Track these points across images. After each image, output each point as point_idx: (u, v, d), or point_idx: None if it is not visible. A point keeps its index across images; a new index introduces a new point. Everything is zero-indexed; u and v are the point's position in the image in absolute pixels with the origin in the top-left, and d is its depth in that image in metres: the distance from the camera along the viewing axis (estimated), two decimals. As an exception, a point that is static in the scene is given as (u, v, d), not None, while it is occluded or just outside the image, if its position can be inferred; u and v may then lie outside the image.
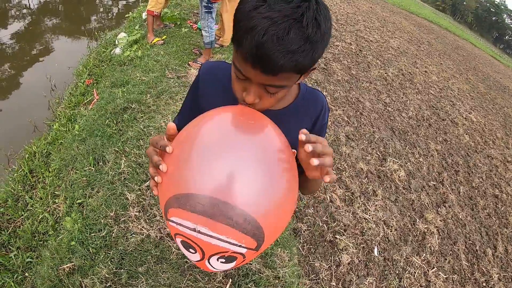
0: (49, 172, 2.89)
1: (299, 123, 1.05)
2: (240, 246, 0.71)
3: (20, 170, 3.00)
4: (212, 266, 0.79)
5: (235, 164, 0.70)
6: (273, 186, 0.74)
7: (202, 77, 1.08)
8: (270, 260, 2.38)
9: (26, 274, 2.21)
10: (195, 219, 0.69)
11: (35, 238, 2.43)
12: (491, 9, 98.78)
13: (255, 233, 0.70)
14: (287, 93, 0.88)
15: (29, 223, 2.49)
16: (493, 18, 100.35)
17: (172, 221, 0.74)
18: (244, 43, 0.72)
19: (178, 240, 0.78)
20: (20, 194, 2.75)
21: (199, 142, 0.74)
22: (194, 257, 0.79)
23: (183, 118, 1.16)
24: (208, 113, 0.84)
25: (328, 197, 3.20)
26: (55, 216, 2.52)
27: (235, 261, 0.77)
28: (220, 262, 0.77)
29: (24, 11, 7.36)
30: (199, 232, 0.70)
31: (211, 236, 0.69)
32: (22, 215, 2.59)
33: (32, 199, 2.69)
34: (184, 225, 0.72)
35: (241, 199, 0.68)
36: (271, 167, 0.74)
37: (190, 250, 0.77)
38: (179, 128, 0.92)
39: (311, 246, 2.75)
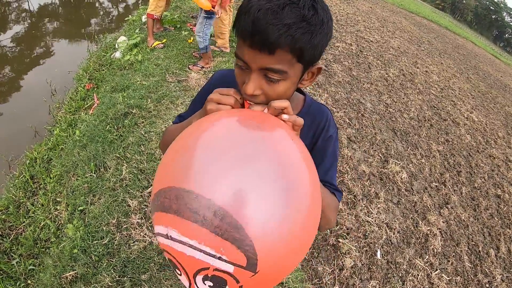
0: (50, 178, 2.89)
1: (302, 134, 1.01)
2: (220, 259, 0.56)
3: (21, 176, 3.00)
4: None
5: (222, 159, 0.59)
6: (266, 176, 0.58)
7: (214, 82, 1.09)
8: (273, 266, 2.37)
9: (29, 281, 2.20)
10: (165, 220, 0.59)
11: (37, 245, 2.42)
12: (491, 8, 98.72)
13: (236, 238, 0.54)
14: (290, 94, 0.84)
15: (31, 230, 2.48)
16: (493, 17, 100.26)
17: (156, 233, 0.64)
18: (241, 22, 0.74)
19: (168, 259, 0.66)
20: (22, 200, 2.74)
21: (189, 144, 0.65)
22: (184, 281, 0.65)
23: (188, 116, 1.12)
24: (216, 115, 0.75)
25: (330, 200, 3.19)
26: (57, 223, 2.52)
27: (226, 287, 0.61)
28: (208, 286, 0.61)
29: (24, 14, 7.36)
30: (171, 238, 0.59)
31: (183, 243, 0.57)
32: (24, 221, 2.59)
33: (33, 206, 2.69)
34: (160, 233, 0.61)
35: (206, 187, 0.56)
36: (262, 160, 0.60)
37: (177, 270, 0.65)
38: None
39: (314, 250, 2.74)
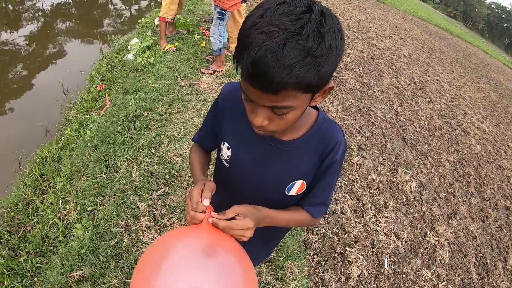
0: (60, 177, 2.91)
1: (308, 157, 0.99)
2: None
3: (31, 174, 3.03)
4: None
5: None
6: None
7: (223, 96, 1.06)
8: (281, 273, 2.37)
9: (35, 279, 2.22)
10: None
11: (45, 244, 2.44)
12: (503, 16, 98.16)
13: None
14: (299, 117, 0.82)
15: (39, 228, 2.50)
16: (505, 25, 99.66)
17: None
18: (241, 61, 0.69)
19: None
20: (31, 198, 2.77)
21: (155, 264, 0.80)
22: None
23: (204, 135, 1.17)
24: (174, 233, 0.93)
25: (339, 208, 3.18)
26: (65, 222, 2.53)
27: None
28: None
29: (38, 13, 7.44)
30: None
31: None
32: (33, 219, 2.60)
33: (42, 204, 2.71)
34: None
35: None
36: None
37: None
38: (200, 144, 1.18)
39: (321, 258, 2.73)
